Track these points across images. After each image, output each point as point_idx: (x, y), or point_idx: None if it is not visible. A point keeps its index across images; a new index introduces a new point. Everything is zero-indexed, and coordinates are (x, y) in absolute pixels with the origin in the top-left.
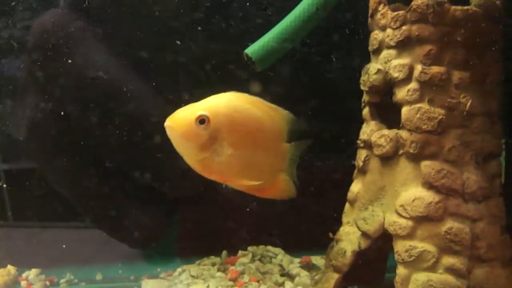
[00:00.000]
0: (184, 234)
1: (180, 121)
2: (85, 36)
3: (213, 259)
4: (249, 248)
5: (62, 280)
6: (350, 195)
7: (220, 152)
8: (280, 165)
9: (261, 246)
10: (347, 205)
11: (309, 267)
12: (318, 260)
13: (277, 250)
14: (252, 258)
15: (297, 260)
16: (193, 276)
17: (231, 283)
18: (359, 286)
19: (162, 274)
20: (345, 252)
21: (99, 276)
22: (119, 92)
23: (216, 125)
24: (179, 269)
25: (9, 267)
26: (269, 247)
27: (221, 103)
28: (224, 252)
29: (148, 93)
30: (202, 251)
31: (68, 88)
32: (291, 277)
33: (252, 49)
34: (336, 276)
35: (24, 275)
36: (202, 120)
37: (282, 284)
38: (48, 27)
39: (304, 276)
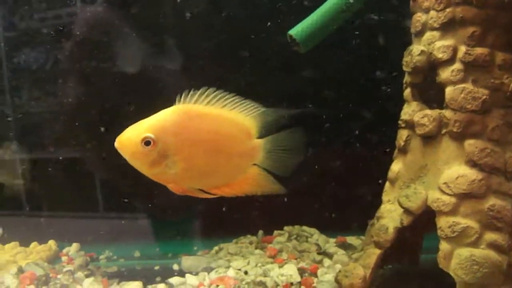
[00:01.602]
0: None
1: (126, 142)
2: (123, 30)
3: (250, 237)
4: (285, 228)
5: (101, 256)
6: (390, 174)
7: (172, 166)
8: (247, 163)
9: (297, 226)
10: (387, 184)
11: (345, 246)
12: (353, 240)
13: (312, 230)
14: (289, 237)
15: (332, 240)
16: (231, 254)
17: (270, 260)
18: (395, 266)
19: (199, 252)
20: (387, 228)
21: (137, 254)
22: (156, 82)
23: (164, 144)
24: (216, 248)
25: (50, 242)
26: (305, 227)
27: (168, 121)
28: (261, 232)
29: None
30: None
31: (109, 79)
32: (328, 256)
33: (296, 31)
34: (377, 252)
35: (64, 250)
36: (147, 142)
37: (320, 261)
38: (90, 22)
39: (341, 255)
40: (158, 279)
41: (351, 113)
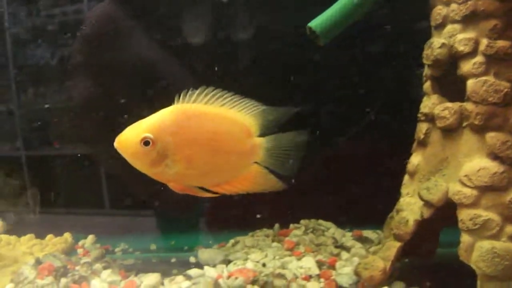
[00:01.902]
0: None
1: (125, 143)
2: (130, 27)
3: (266, 231)
4: (302, 221)
5: (117, 249)
6: (410, 167)
7: (172, 166)
8: (247, 161)
9: (313, 220)
10: (406, 177)
11: (362, 240)
12: (369, 233)
13: (328, 224)
14: (305, 231)
15: (348, 233)
16: (248, 247)
17: (288, 252)
18: (411, 259)
19: (215, 245)
20: (407, 221)
21: (153, 246)
22: (163, 78)
23: (163, 143)
24: (232, 241)
25: (66, 235)
26: (321, 221)
27: (166, 121)
28: (277, 225)
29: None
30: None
31: (117, 75)
32: (346, 249)
33: (316, 23)
34: (397, 244)
35: (80, 243)
36: (146, 142)
37: (338, 255)
38: (98, 19)
39: (358, 248)
40: (174, 271)
41: (366, 108)
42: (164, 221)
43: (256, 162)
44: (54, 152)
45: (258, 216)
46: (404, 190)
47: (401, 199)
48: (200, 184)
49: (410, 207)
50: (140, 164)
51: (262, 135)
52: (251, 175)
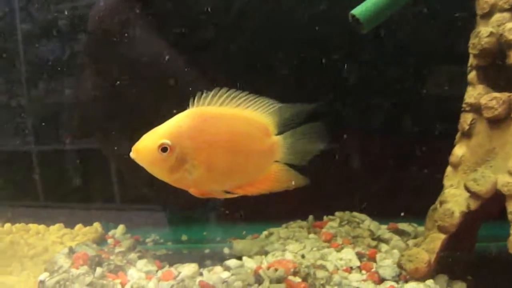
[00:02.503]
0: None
1: (143, 151)
2: (137, 22)
3: (300, 222)
4: (336, 213)
5: (148, 239)
6: (453, 158)
7: (191, 171)
8: (267, 160)
9: (347, 212)
10: (449, 168)
11: (398, 232)
12: (405, 226)
13: (363, 216)
14: (340, 223)
15: (383, 226)
16: (283, 238)
17: (326, 244)
18: (451, 253)
19: (248, 237)
20: (452, 213)
21: (184, 237)
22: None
23: (181, 149)
24: (265, 232)
25: (95, 224)
26: (355, 213)
27: (183, 126)
28: (311, 217)
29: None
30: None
31: (123, 69)
32: (383, 241)
33: (359, 10)
34: (442, 236)
35: (110, 233)
36: (164, 148)
37: (376, 247)
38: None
39: (397, 240)
40: (208, 262)
41: (399, 101)
42: (200, 211)
43: (276, 161)
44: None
45: (290, 208)
46: (447, 181)
47: (446, 191)
48: (221, 187)
49: (455, 199)
50: (159, 172)
51: (280, 133)
52: (272, 174)
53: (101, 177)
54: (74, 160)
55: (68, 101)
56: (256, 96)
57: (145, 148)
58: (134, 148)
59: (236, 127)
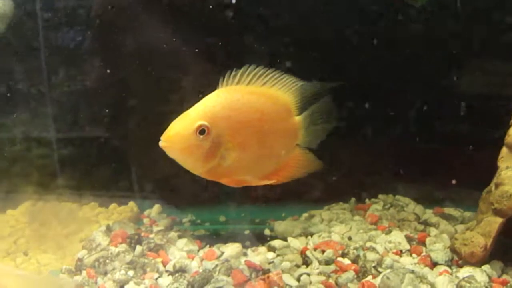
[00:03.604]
0: None
1: (178, 137)
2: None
3: (342, 205)
4: (379, 196)
5: (184, 219)
6: (509, 139)
7: (227, 156)
8: (291, 143)
9: (390, 195)
10: (504, 149)
11: (445, 217)
12: (451, 211)
13: (407, 200)
14: (384, 206)
15: (428, 210)
16: (326, 220)
17: (372, 226)
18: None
19: (288, 218)
20: (510, 195)
21: (222, 218)
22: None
23: (217, 130)
24: (306, 214)
25: (131, 204)
26: (398, 197)
27: (217, 105)
28: (353, 199)
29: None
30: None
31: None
32: (430, 225)
33: None
34: (499, 220)
35: (145, 212)
36: (202, 131)
37: (423, 231)
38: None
39: (445, 225)
40: (248, 243)
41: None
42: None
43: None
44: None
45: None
46: (502, 163)
47: (502, 173)
48: (252, 173)
49: None
50: (193, 160)
51: (298, 114)
52: (294, 160)
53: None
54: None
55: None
56: (280, 73)
57: (179, 134)
58: (164, 137)
59: (265, 106)
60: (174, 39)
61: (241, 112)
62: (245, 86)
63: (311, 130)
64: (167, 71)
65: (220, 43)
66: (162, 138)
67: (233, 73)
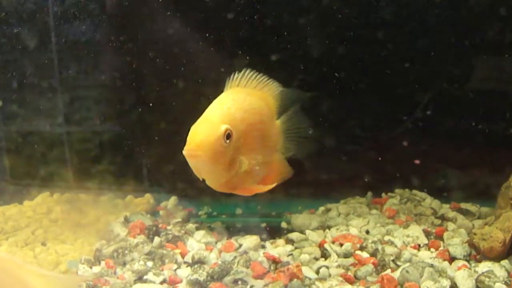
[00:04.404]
0: None
1: (206, 144)
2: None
3: (359, 199)
4: (396, 191)
5: (200, 212)
6: None
7: (242, 162)
8: (275, 146)
9: (407, 190)
10: None
11: (462, 212)
12: (468, 206)
13: (423, 194)
14: (400, 200)
15: (445, 205)
16: (343, 214)
17: (390, 220)
18: None
19: (305, 212)
20: None
21: (238, 211)
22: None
23: (237, 134)
24: (322, 208)
25: (147, 195)
26: (415, 191)
27: (232, 107)
28: (369, 193)
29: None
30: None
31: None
32: (447, 220)
33: None
34: None
35: (162, 204)
36: (228, 135)
37: (441, 225)
38: None
39: (463, 220)
40: (264, 236)
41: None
42: None
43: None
44: None
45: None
46: None
47: None
48: (257, 179)
49: None
50: (220, 170)
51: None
52: (275, 165)
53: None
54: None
55: None
56: (266, 77)
57: (207, 140)
58: (190, 144)
59: (263, 108)
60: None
61: (250, 114)
62: (245, 88)
63: (287, 136)
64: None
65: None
66: (187, 147)
67: (236, 75)
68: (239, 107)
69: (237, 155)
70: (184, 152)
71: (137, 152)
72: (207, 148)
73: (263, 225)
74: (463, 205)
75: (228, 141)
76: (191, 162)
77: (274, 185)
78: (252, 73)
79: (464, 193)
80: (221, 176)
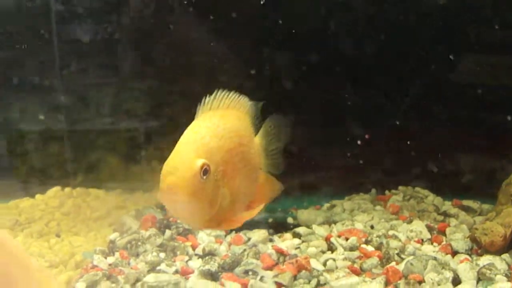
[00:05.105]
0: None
1: (182, 184)
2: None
3: (363, 195)
4: (400, 188)
5: None
6: None
7: (225, 194)
8: (258, 166)
9: (409, 187)
10: None
11: (464, 208)
12: (470, 203)
13: (426, 191)
14: (403, 197)
15: (447, 202)
16: (347, 210)
17: (394, 216)
18: None
19: (310, 208)
20: None
21: None
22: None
23: (216, 165)
24: (327, 204)
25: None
26: (418, 188)
27: (206, 136)
28: (373, 190)
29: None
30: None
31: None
32: (449, 216)
33: None
34: None
35: None
36: (205, 170)
37: (443, 221)
38: None
39: (464, 216)
40: (271, 230)
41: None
42: None
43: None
44: None
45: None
46: None
47: None
48: (243, 207)
49: None
50: (200, 209)
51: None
52: (261, 185)
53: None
54: None
55: None
56: (234, 93)
57: (183, 178)
58: (166, 185)
59: (240, 129)
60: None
61: (227, 140)
62: (218, 111)
63: (269, 151)
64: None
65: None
66: (162, 187)
67: (207, 99)
68: (214, 134)
69: (217, 188)
70: (158, 195)
71: (148, 148)
72: (183, 188)
73: (270, 220)
74: (465, 202)
75: (205, 176)
76: (167, 205)
77: (262, 206)
78: (223, 93)
79: (465, 191)
80: (203, 215)
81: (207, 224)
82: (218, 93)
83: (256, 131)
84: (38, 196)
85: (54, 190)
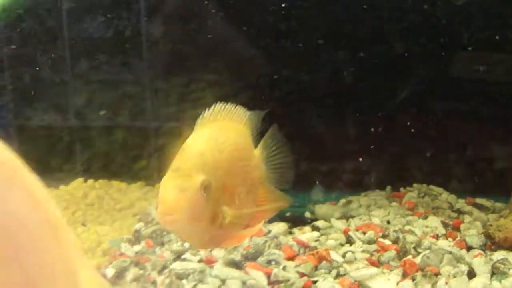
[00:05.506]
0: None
1: (182, 204)
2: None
3: (378, 192)
4: (414, 185)
5: None
6: None
7: (226, 211)
8: (259, 179)
9: (424, 185)
10: None
11: (477, 206)
12: (483, 201)
13: (440, 189)
14: (418, 194)
15: (461, 200)
16: (364, 205)
17: (409, 212)
18: None
19: (327, 203)
20: None
21: None
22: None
23: (217, 181)
24: (343, 200)
25: None
26: (432, 186)
27: (206, 152)
28: (389, 187)
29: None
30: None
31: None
32: (464, 214)
33: None
34: None
35: None
36: (206, 188)
37: (457, 218)
38: None
39: (478, 213)
40: (289, 224)
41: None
42: None
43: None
44: None
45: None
46: None
47: None
48: (245, 222)
49: None
50: (201, 229)
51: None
52: (263, 198)
53: None
54: None
55: None
56: (229, 104)
57: (184, 198)
58: (165, 206)
59: (239, 141)
60: None
61: (227, 153)
62: (215, 123)
63: (272, 165)
64: None
65: None
66: (160, 210)
67: (206, 112)
68: (213, 148)
69: (218, 206)
70: (157, 216)
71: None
72: (184, 209)
73: (287, 214)
74: (478, 200)
75: (206, 194)
76: (167, 226)
77: (263, 223)
78: (220, 105)
79: (479, 189)
80: (203, 235)
81: (208, 244)
82: (216, 106)
83: (257, 142)
84: (62, 187)
85: (78, 181)
